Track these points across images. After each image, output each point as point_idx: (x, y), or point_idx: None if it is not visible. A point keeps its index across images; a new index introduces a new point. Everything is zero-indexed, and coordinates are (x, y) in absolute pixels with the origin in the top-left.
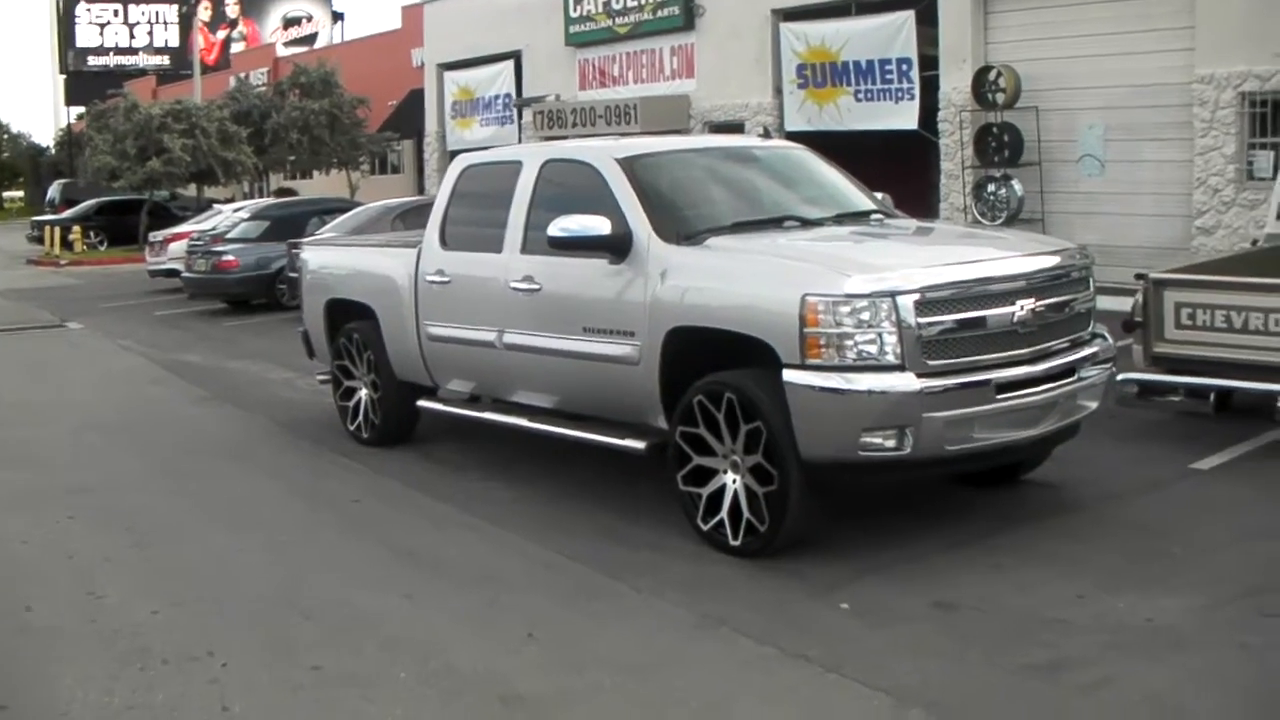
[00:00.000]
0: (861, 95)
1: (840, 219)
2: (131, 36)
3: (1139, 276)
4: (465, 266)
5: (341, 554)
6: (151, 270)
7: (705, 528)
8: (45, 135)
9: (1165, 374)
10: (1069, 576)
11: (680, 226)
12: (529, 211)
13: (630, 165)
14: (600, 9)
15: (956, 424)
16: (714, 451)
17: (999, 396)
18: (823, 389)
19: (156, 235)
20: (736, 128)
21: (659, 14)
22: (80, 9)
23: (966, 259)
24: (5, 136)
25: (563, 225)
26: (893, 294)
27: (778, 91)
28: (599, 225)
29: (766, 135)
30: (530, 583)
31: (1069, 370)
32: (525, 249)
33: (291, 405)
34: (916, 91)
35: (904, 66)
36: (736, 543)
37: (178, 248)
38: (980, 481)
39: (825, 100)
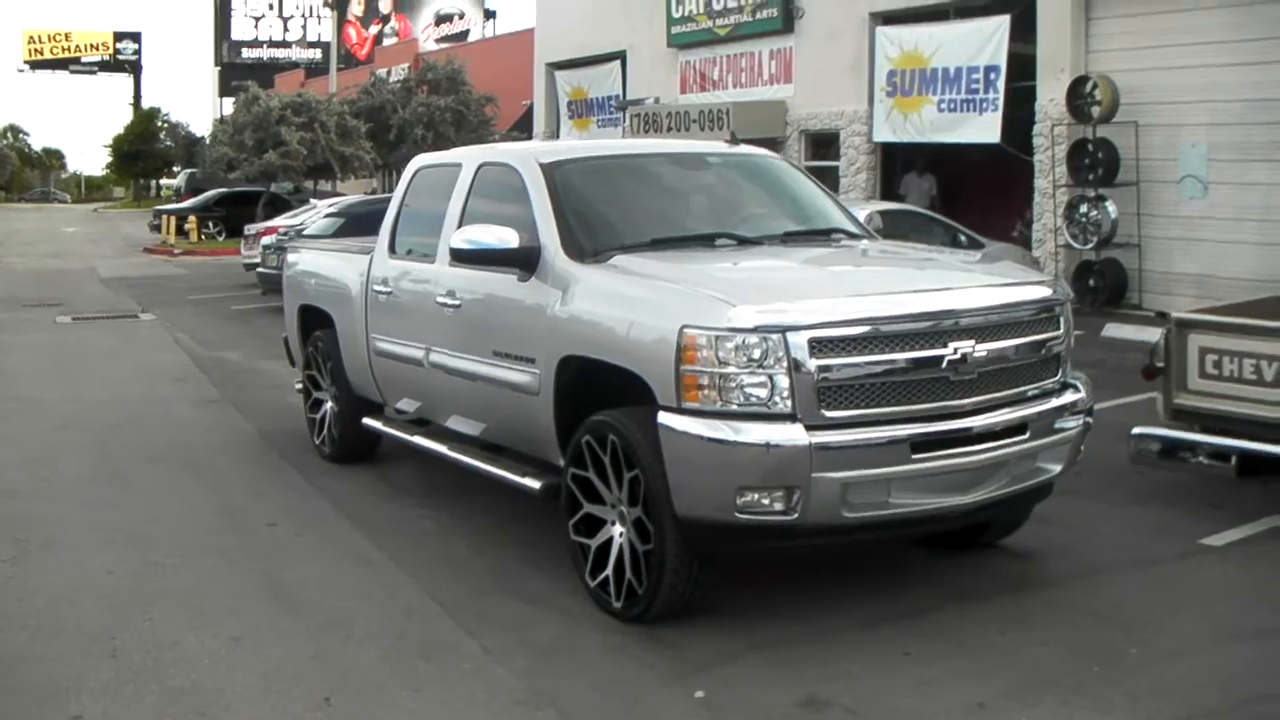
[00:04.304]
0: (945, 105)
1: (789, 238)
2: (285, 30)
3: (1160, 315)
4: (405, 277)
5: (208, 583)
6: (245, 264)
7: (592, 584)
8: (203, 126)
9: (1186, 430)
10: (984, 674)
11: (590, 241)
12: (460, 219)
13: (552, 171)
14: (701, 9)
15: (861, 487)
16: (603, 500)
17: (916, 456)
18: (697, 437)
19: (251, 229)
20: (831, 138)
21: (758, 15)
22: (237, 1)
23: (892, 289)
24: (164, 126)
25: (467, 236)
26: (784, 329)
27: (872, 99)
28: (506, 238)
29: (734, 141)
30: (376, 632)
31: (1019, 426)
32: (452, 261)
33: (291, 414)
34: (1001, 102)
35: (991, 75)
36: (618, 605)
37: (270, 242)
38: (939, 544)
39: (910, 110)
